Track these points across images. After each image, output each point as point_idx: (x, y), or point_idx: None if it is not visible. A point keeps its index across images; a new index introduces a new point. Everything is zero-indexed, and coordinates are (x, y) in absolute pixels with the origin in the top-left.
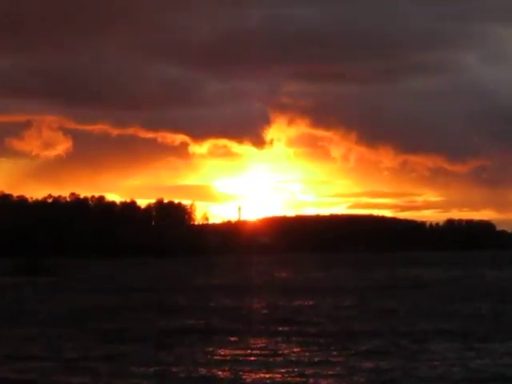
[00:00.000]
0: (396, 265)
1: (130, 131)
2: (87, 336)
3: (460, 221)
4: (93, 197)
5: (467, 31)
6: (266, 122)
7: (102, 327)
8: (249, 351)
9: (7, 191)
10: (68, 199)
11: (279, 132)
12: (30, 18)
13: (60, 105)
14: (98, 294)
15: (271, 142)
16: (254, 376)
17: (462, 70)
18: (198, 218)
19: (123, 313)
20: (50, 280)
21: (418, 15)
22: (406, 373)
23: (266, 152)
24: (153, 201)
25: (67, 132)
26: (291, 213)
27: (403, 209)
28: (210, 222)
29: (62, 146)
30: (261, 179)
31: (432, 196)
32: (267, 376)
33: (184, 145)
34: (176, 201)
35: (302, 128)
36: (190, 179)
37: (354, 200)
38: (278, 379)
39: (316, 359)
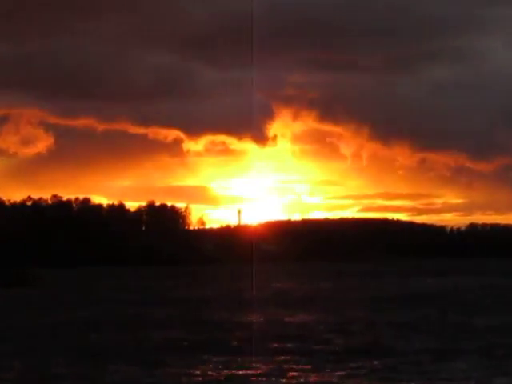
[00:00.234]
0: (412, 274)
1: (118, 126)
2: (63, 352)
3: (484, 225)
4: (77, 199)
5: (491, 15)
6: (269, 115)
7: (80, 343)
8: (247, 372)
9: None
10: (49, 202)
11: (283, 127)
12: (5, 2)
13: (40, 97)
14: (80, 306)
15: (274, 138)
16: None
17: (487, 57)
18: (194, 223)
19: (104, 327)
20: (28, 292)
21: None
22: None
23: (268, 149)
24: (143, 203)
25: (48, 127)
26: (297, 217)
27: (421, 212)
28: (207, 226)
29: (43, 143)
30: (263, 179)
31: (453, 198)
32: None
33: (178, 141)
34: (169, 203)
35: (308, 123)
36: (184, 179)
37: (366, 202)
38: None
39: (324, 381)
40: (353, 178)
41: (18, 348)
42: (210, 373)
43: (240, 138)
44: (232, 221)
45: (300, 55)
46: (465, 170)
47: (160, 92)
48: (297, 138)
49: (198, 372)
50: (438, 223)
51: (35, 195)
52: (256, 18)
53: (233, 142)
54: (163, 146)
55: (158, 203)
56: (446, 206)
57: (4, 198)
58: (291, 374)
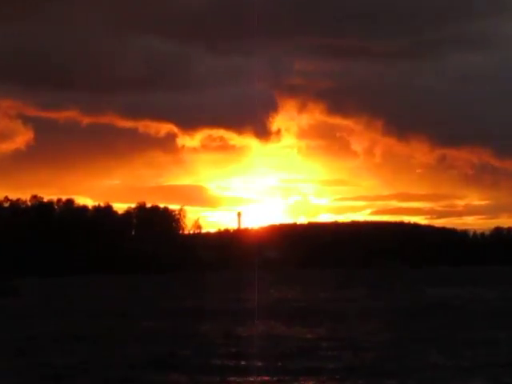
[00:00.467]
0: (430, 283)
1: (105, 119)
2: (35, 371)
3: (511, 229)
4: (59, 200)
5: None
6: (273, 107)
7: (52, 360)
8: None
9: None
10: (29, 203)
11: (288, 120)
12: None
13: (18, 87)
14: (58, 318)
15: (278, 132)
16: None
17: None
18: (189, 227)
19: (80, 342)
20: (3, 303)
21: None
22: None
23: (271, 145)
24: (133, 205)
25: (27, 120)
26: (302, 220)
27: (441, 215)
28: (203, 231)
29: (22, 138)
30: (265, 179)
31: (476, 199)
32: None
33: (171, 136)
34: (161, 205)
35: (316, 115)
36: (178, 178)
37: (380, 204)
38: None
39: None
40: (365, 177)
41: None
42: None
43: (240, 133)
44: (231, 224)
45: (307, 40)
46: (489, 168)
47: (151, 81)
48: (303, 133)
49: None
50: (460, 227)
51: (13, 196)
52: None
53: (232, 137)
54: (155, 142)
55: (149, 205)
56: (469, 208)
57: None
58: None
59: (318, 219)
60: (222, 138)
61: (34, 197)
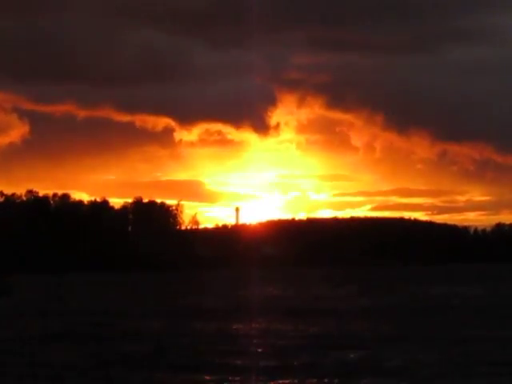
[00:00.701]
0: (431, 281)
1: (101, 113)
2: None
3: None
4: (55, 195)
5: None
6: (271, 101)
7: (29, 360)
8: None
9: None
10: (24, 198)
11: (287, 115)
12: None
13: (14, 80)
14: (49, 317)
15: (277, 127)
16: None
17: None
18: (186, 222)
19: (64, 341)
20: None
21: None
22: None
23: (270, 140)
24: (129, 200)
25: (23, 114)
26: (301, 216)
27: (441, 211)
28: (201, 226)
29: (17, 131)
30: (264, 174)
31: (478, 195)
32: None
33: (168, 130)
34: (158, 200)
35: (315, 110)
36: (175, 173)
37: (379, 200)
38: None
39: None
40: (365, 172)
41: None
42: None
43: (238, 127)
44: (229, 220)
45: (306, 33)
46: (491, 164)
47: (148, 75)
48: (302, 128)
49: None
50: (461, 223)
51: (8, 190)
52: None
53: (230, 132)
54: (152, 136)
55: (145, 200)
56: (470, 204)
57: None
58: None
59: (317, 215)
60: (219, 133)
61: (30, 191)
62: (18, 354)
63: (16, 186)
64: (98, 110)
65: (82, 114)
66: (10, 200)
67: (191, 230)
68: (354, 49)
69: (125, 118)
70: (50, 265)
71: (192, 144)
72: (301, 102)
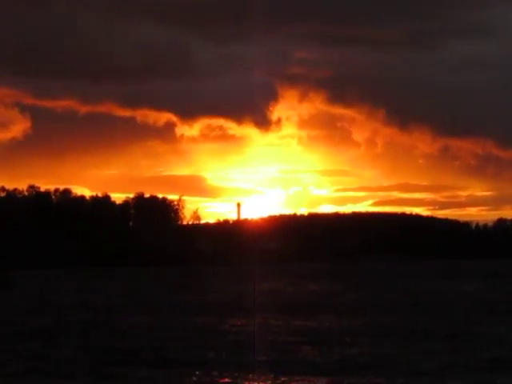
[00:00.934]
0: (433, 276)
1: (103, 108)
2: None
3: None
4: (56, 190)
5: None
6: (273, 97)
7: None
8: None
9: None
10: (25, 193)
11: (288, 110)
12: None
13: (15, 75)
14: (39, 312)
15: (278, 122)
16: None
17: None
18: (188, 217)
19: (57, 336)
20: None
21: None
22: None
23: (271, 135)
24: (131, 195)
25: (24, 109)
26: (303, 211)
27: (443, 206)
28: (202, 221)
29: (18, 127)
30: (265, 169)
31: (479, 190)
32: None
33: (170, 125)
34: (160, 195)
35: (316, 105)
36: (177, 168)
37: (381, 195)
38: None
39: None
40: (366, 167)
41: None
42: None
43: (240, 122)
44: (230, 215)
45: (308, 28)
46: (493, 159)
47: (150, 70)
48: (303, 123)
49: None
50: (463, 218)
51: (9, 185)
52: None
53: (232, 127)
54: (153, 131)
55: (147, 195)
56: (472, 199)
57: None
58: None
59: (318, 210)
60: (221, 128)
61: (31, 186)
62: (10, 350)
63: (18, 181)
64: (100, 105)
65: (83, 109)
66: (12, 195)
67: (193, 225)
68: (355, 44)
69: (126, 113)
70: (51, 260)
71: (193, 139)
72: (302, 97)
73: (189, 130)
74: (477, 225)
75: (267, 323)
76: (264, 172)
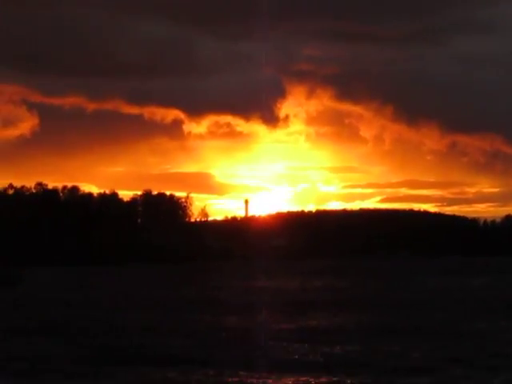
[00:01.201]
0: (441, 273)
1: (110, 106)
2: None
3: None
4: (64, 187)
5: None
6: (280, 93)
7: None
8: None
9: None
10: (33, 190)
11: (296, 106)
12: None
13: (23, 72)
14: (42, 310)
15: (286, 118)
16: None
17: None
18: (195, 214)
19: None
20: (6, 292)
21: None
22: None
23: (279, 132)
24: (138, 192)
25: (32, 106)
26: (311, 208)
27: (451, 202)
28: (210, 218)
29: (26, 124)
30: (273, 166)
31: (487, 186)
32: None
33: (177, 122)
34: (167, 193)
35: (324, 101)
36: (184, 165)
37: (389, 191)
38: None
39: None
40: (374, 164)
41: None
42: None
43: (247, 119)
44: (238, 212)
45: (316, 25)
46: (501, 155)
47: (157, 67)
48: (311, 119)
49: None
50: (471, 215)
51: (17, 183)
52: None
53: (239, 124)
54: (161, 128)
55: (155, 192)
56: (480, 195)
57: None
58: None
59: (326, 207)
60: (228, 125)
61: (39, 184)
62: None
63: (25, 178)
64: (107, 102)
65: (91, 106)
66: (20, 193)
67: (200, 222)
68: (363, 40)
69: (134, 110)
70: (58, 257)
71: (201, 136)
72: (310, 94)
73: (196, 127)
74: (485, 221)
75: (269, 321)
76: (272, 169)
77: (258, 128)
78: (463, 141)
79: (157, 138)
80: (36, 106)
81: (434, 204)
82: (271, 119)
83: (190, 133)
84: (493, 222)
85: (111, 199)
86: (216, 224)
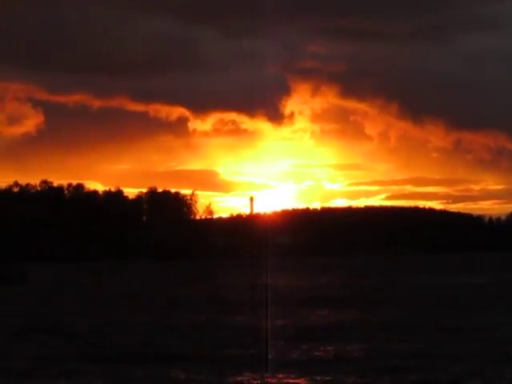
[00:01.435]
0: (446, 270)
1: (115, 103)
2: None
3: None
4: (69, 185)
5: None
6: (285, 91)
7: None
8: None
9: None
10: (38, 188)
11: (301, 104)
12: None
13: (28, 70)
14: (48, 307)
15: (291, 116)
16: None
17: None
18: (201, 212)
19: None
20: (12, 290)
21: None
22: None
23: (284, 129)
24: (143, 190)
25: (37, 104)
26: (316, 205)
27: (456, 199)
28: (215, 216)
29: (31, 121)
30: (278, 163)
31: (492, 183)
32: None
33: (182, 120)
34: (172, 190)
35: (329, 99)
36: (189, 163)
37: (394, 189)
38: None
39: None
40: (379, 161)
41: None
42: None
43: (252, 117)
44: (243, 210)
45: (321, 22)
46: (506, 152)
47: (162, 64)
48: (316, 117)
49: None
50: (476, 212)
51: (22, 180)
52: None
53: (244, 121)
54: (166, 125)
55: (160, 190)
56: (485, 192)
57: None
58: None
59: (331, 204)
60: (233, 122)
61: (44, 182)
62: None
63: (31, 176)
64: (112, 99)
65: (96, 103)
66: (25, 190)
67: (205, 219)
68: (368, 37)
69: (139, 107)
70: (64, 254)
71: (206, 133)
72: (315, 91)
73: (201, 124)
74: (490, 218)
75: (273, 319)
76: (277, 166)
77: (262, 125)
78: (468, 138)
79: (162, 136)
80: (41, 104)
81: (439, 201)
82: (276, 116)
83: (195, 130)
84: (498, 219)
85: (116, 197)
86: (221, 221)
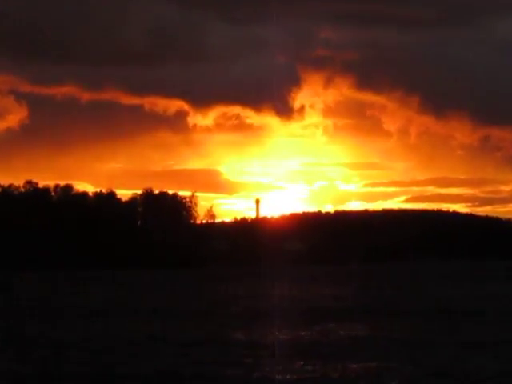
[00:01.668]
0: (473, 279)
1: (107, 96)
2: None
3: None
4: (56, 186)
5: None
6: (295, 82)
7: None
8: None
9: None
10: (22, 189)
11: (312, 97)
12: None
13: (11, 60)
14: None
15: (301, 110)
16: None
17: None
18: (201, 216)
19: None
20: None
21: None
22: None
23: (293, 124)
24: (138, 192)
25: (21, 97)
26: (329, 208)
27: (483, 202)
28: (217, 220)
29: (14, 116)
30: (287, 162)
31: None
32: None
33: (181, 114)
34: (170, 192)
35: (343, 91)
36: (189, 162)
37: (415, 190)
38: None
39: None
40: (399, 159)
41: None
42: None
43: (258, 111)
44: (248, 213)
45: (333, 6)
46: None
47: (159, 53)
48: (329, 111)
49: None
50: (505, 216)
51: (5, 181)
52: None
53: (250, 115)
54: (163, 120)
55: (156, 191)
56: None
57: None
58: None
59: (345, 207)
60: (238, 117)
61: (29, 182)
62: None
63: (14, 176)
64: (104, 92)
65: (85, 96)
66: (8, 192)
67: (207, 224)
68: (387, 23)
69: (133, 100)
70: (50, 261)
71: (207, 129)
72: (327, 83)
73: (202, 119)
74: None
75: (278, 332)
76: (285, 165)
77: (270, 120)
78: (497, 134)
79: (159, 132)
80: (25, 97)
81: (464, 204)
82: (285, 110)
83: (195, 125)
84: None
85: (108, 199)
86: (224, 226)
